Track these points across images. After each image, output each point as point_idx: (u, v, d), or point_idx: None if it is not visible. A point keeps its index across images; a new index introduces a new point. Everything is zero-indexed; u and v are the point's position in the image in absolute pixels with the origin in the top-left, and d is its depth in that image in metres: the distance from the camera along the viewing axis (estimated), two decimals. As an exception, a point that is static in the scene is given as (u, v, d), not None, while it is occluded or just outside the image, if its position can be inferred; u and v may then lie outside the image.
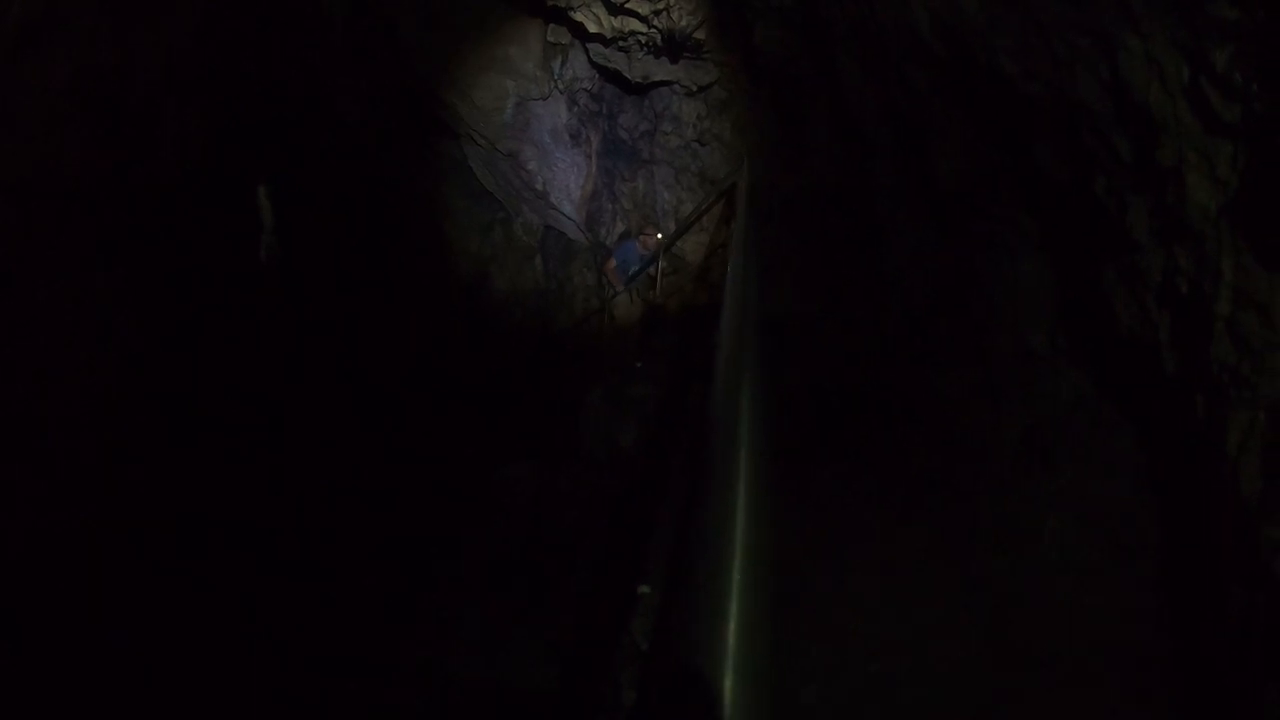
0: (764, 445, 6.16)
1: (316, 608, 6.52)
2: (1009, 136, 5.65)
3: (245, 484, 7.67)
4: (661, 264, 11.56)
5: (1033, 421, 5.99)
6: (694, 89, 13.04)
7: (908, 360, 7.67)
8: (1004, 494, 5.65)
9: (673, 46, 12.03)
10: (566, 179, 14.14)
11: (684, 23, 11.53)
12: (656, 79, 12.94)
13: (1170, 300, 4.00)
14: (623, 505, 6.07)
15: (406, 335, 12.66)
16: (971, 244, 6.57)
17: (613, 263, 13.20)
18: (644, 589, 4.37)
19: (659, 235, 12.83)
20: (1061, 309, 5.65)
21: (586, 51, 13.03)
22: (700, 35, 11.80)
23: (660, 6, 11.30)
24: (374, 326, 11.99)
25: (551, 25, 12.86)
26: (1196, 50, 3.36)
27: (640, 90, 13.33)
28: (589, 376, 8.59)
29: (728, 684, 3.31)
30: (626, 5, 11.31)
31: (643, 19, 11.61)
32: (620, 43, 12.32)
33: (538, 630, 5.62)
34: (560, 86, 13.47)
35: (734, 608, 3.73)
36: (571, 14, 12.00)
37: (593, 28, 12.03)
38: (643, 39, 12.10)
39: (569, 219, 14.32)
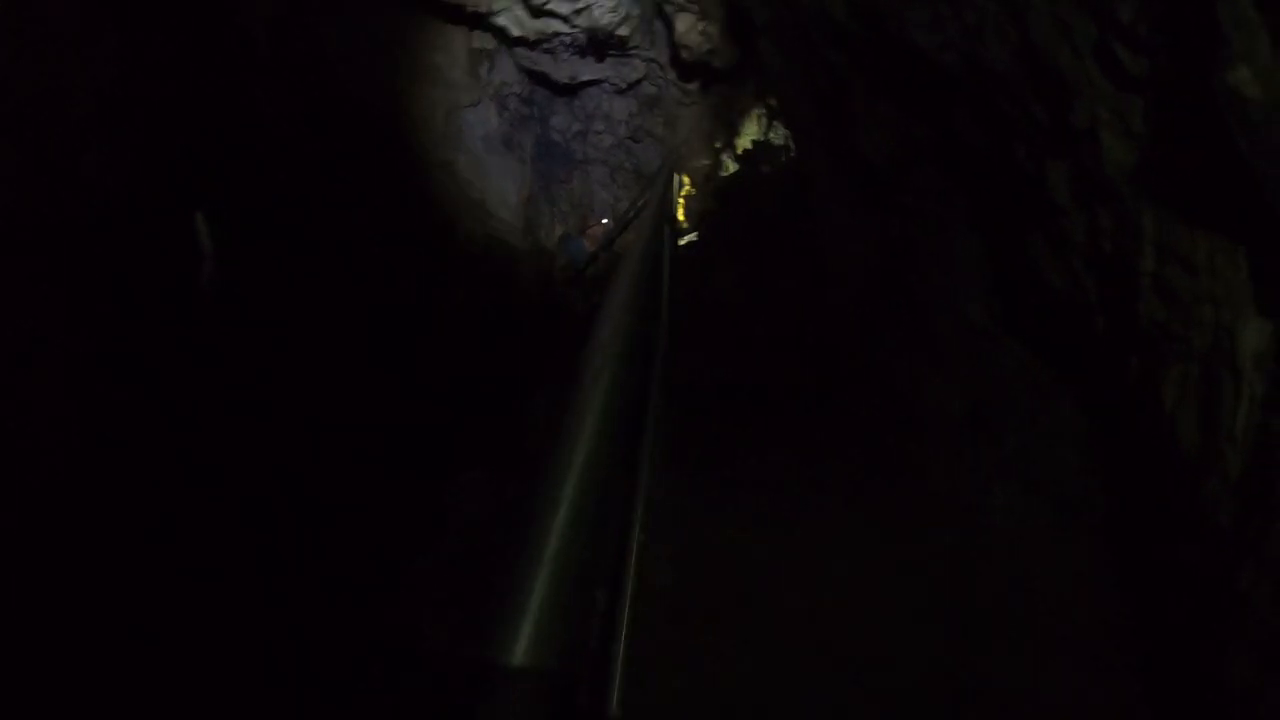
0: (690, 434, 6.17)
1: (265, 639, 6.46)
2: (930, 110, 5.65)
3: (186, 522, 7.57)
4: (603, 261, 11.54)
5: (978, 393, 6.00)
6: (623, 86, 13.06)
7: (849, 339, 7.68)
8: (952, 467, 5.65)
9: (597, 45, 12.03)
10: (502, 185, 14.08)
11: (605, 21, 11.52)
12: (584, 79, 12.94)
13: (1096, 261, 4.01)
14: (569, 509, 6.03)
15: (354, 351, 12.56)
16: (905, 220, 6.58)
17: (562, 260, 13.19)
18: (598, 593, 4.33)
19: (604, 221, 12.85)
20: (997, 279, 5.66)
21: (512, 56, 13.00)
22: (623, 32, 11.80)
23: (580, 6, 11.29)
24: (321, 345, 11.87)
25: (476, 31, 12.80)
26: (1102, 7, 3.35)
27: (569, 91, 13.32)
28: (536, 379, 8.53)
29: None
30: (547, 7, 11.29)
31: (564, 19, 11.60)
32: (544, 45, 12.31)
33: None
34: (489, 92, 13.42)
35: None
36: (493, 19, 11.96)
37: (515, 31, 12.01)
38: (566, 40, 12.09)
39: (508, 224, 14.27)
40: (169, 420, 8.35)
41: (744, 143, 12.22)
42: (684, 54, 11.42)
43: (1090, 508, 4.86)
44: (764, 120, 11.57)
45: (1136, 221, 3.47)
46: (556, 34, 11.94)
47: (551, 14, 11.51)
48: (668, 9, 11.23)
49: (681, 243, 11.19)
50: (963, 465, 5.64)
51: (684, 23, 11.07)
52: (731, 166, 12.09)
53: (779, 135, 10.87)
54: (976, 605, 4.71)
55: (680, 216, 11.25)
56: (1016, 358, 5.60)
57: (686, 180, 11.99)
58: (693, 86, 12.43)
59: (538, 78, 13.15)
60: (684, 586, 4.88)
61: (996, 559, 4.95)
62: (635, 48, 12.26)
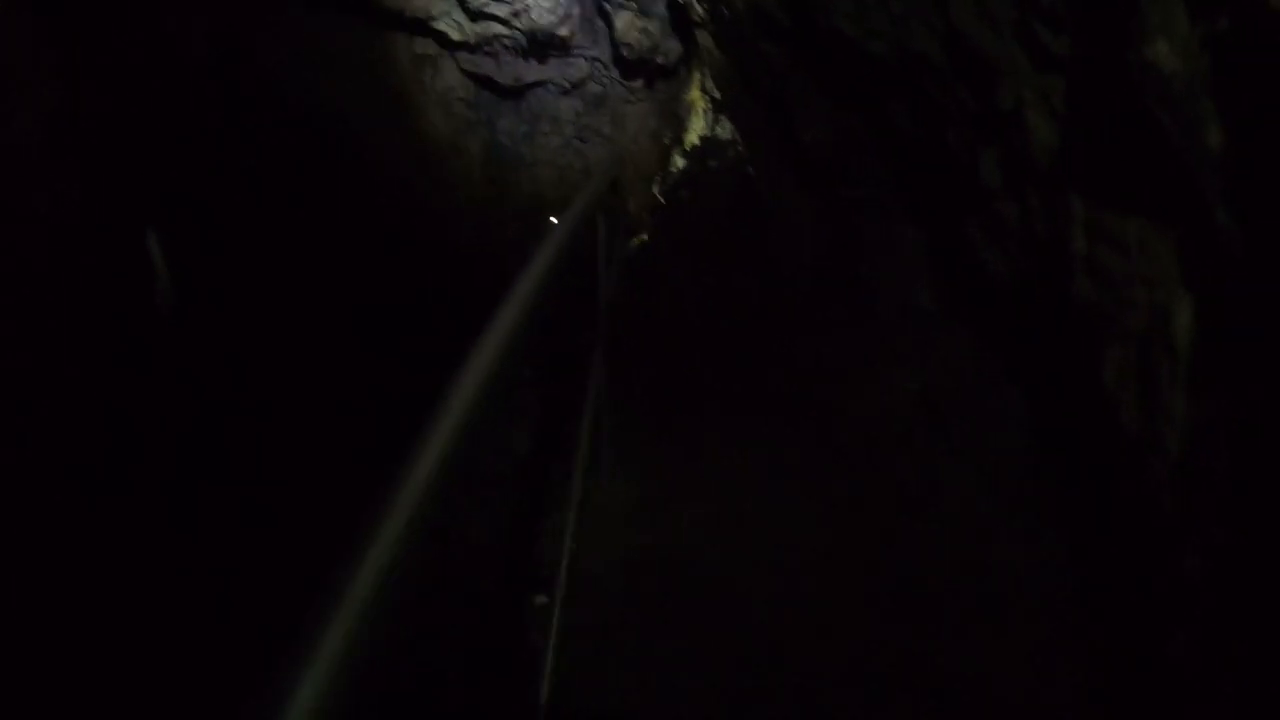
0: (633, 433, 6.12)
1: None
2: (865, 101, 5.63)
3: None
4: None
5: (927, 379, 5.99)
6: (567, 87, 12.97)
7: (800, 331, 7.66)
8: (902, 455, 5.63)
9: (538, 47, 11.96)
10: (451, 192, 13.99)
11: (544, 21, 11.45)
12: (529, 81, 12.85)
13: (1030, 244, 3.98)
14: (519, 517, 5.98)
15: (309, 367, 12.46)
16: (848, 211, 6.57)
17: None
18: (540, 599, 4.29)
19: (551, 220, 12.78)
20: (941, 265, 5.64)
21: (455, 60, 12.89)
22: (564, 33, 11.73)
23: (519, 7, 11.21)
24: (277, 361, 11.76)
25: (416, 38, 12.69)
26: (1021, -13, 3.31)
27: (514, 94, 13.22)
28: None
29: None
30: (485, 9, 11.21)
31: (503, 22, 11.52)
32: (486, 48, 12.21)
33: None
34: (433, 98, 13.31)
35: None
36: (433, 24, 11.87)
37: (456, 36, 11.92)
38: (507, 42, 12.01)
39: (459, 230, 14.17)
40: (127, 441, 8.27)
41: (691, 138, 12.16)
42: (626, 52, 11.35)
43: (1041, 493, 4.84)
44: (710, 115, 11.53)
45: (1066, 203, 3.44)
46: (497, 36, 11.85)
47: (490, 16, 11.43)
48: (607, 7, 11.16)
49: (631, 240, 11.17)
50: (913, 452, 5.61)
51: (624, 20, 11.01)
52: (680, 162, 12.04)
53: (725, 130, 10.82)
54: (930, 593, 4.68)
55: (627, 212, 11.22)
56: (964, 343, 5.59)
57: (632, 177, 11.97)
58: (637, 84, 12.35)
59: (482, 81, 13.04)
60: (627, 590, 4.84)
61: (949, 546, 4.92)
62: (577, 47, 12.19)
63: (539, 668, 3.65)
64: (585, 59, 12.60)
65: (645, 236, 11.27)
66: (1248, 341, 2.49)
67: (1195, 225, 2.64)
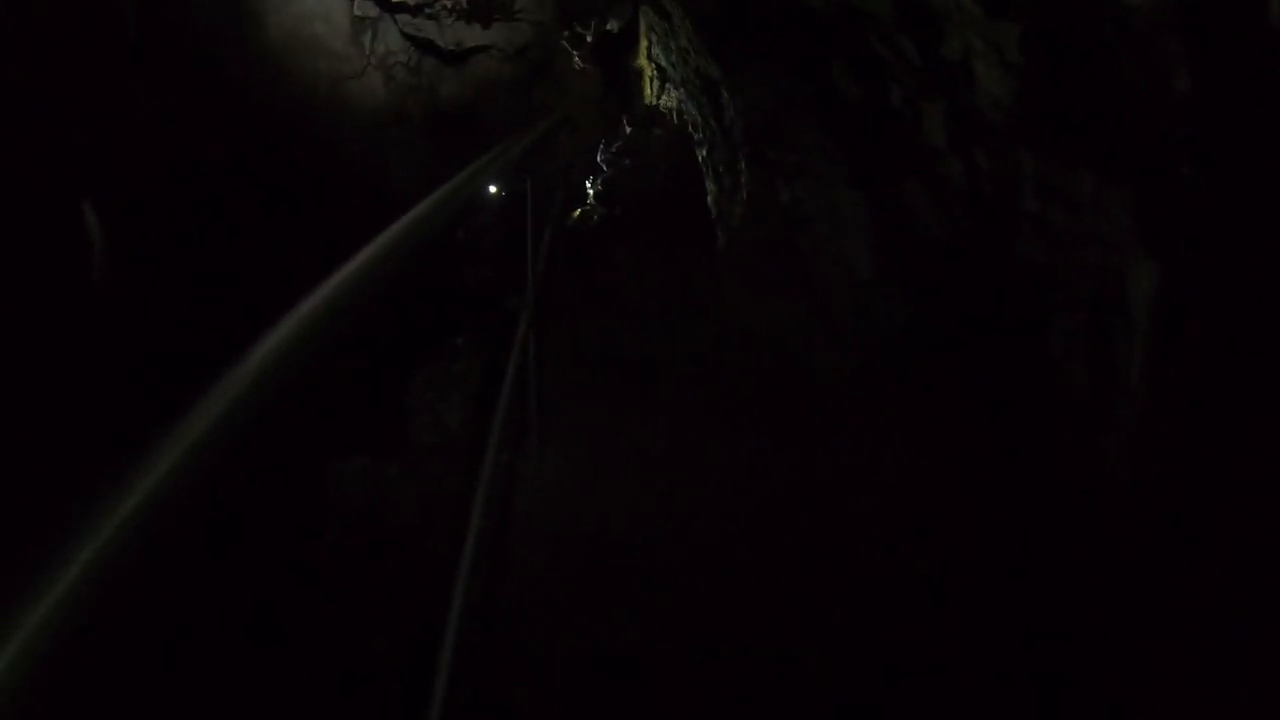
0: (568, 407, 5.97)
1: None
2: (805, 64, 5.47)
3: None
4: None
5: (867, 348, 5.88)
6: (511, 53, 12.77)
7: (741, 302, 7.54)
8: (844, 424, 5.51)
9: (481, 9, 11.72)
10: (394, 160, 13.75)
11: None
12: (471, 45, 12.64)
13: (976, 205, 3.80)
14: (451, 491, 5.80)
15: (241, 338, 12.21)
16: (788, 178, 6.41)
17: (461, 235, 12.98)
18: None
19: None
20: (882, 235, 5.50)
21: (396, 23, 12.65)
22: (508, -12, 11.53)
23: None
24: (211, 335, 11.53)
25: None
26: (971, -72, 3.11)
27: (457, 59, 13.01)
28: (416, 358, 8.28)
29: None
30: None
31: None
32: (427, 9, 11.98)
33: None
34: (374, 61, 13.05)
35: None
36: (371, -20, 11.63)
37: (398, -7, 11.68)
38: (449, 4, 11.77)
39: (404, 203, 13.95)
40: (59, 412, 8.07)
41: (637, 106, 12.02)
42: (570, 15, 11.15)
43: (981, 461, 4.74)
44: (655, 83, 11.38)
45: (1015, 160, 3.25)
46: (436, -6, 11.63)
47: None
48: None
49: (574, 210, 11.01)
50: (855, 420, 5.50)
51: (568, -14, 10.83)
52: (626, 130, 11.90)
53: (670, 99, 10.68)
54: (871, 562, 4.58)
55: (571, 180, 11.09)
56: (904, 312, 5.47)
57: (576, 145, 11.84)
58: (584, 49, 12.17)
59: (424, 45, 12.82)
60: (562, 568, 4.68)
61: (892, 515, 4.82)
62: (520, 11, 11.98)
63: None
64: (529, 23, 12.41)
65: (589, 204, 11.12)
66: (1214, 306, 2.31)
67: (1157, 180, 2.45)
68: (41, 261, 8.74)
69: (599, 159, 11.62)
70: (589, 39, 12.05)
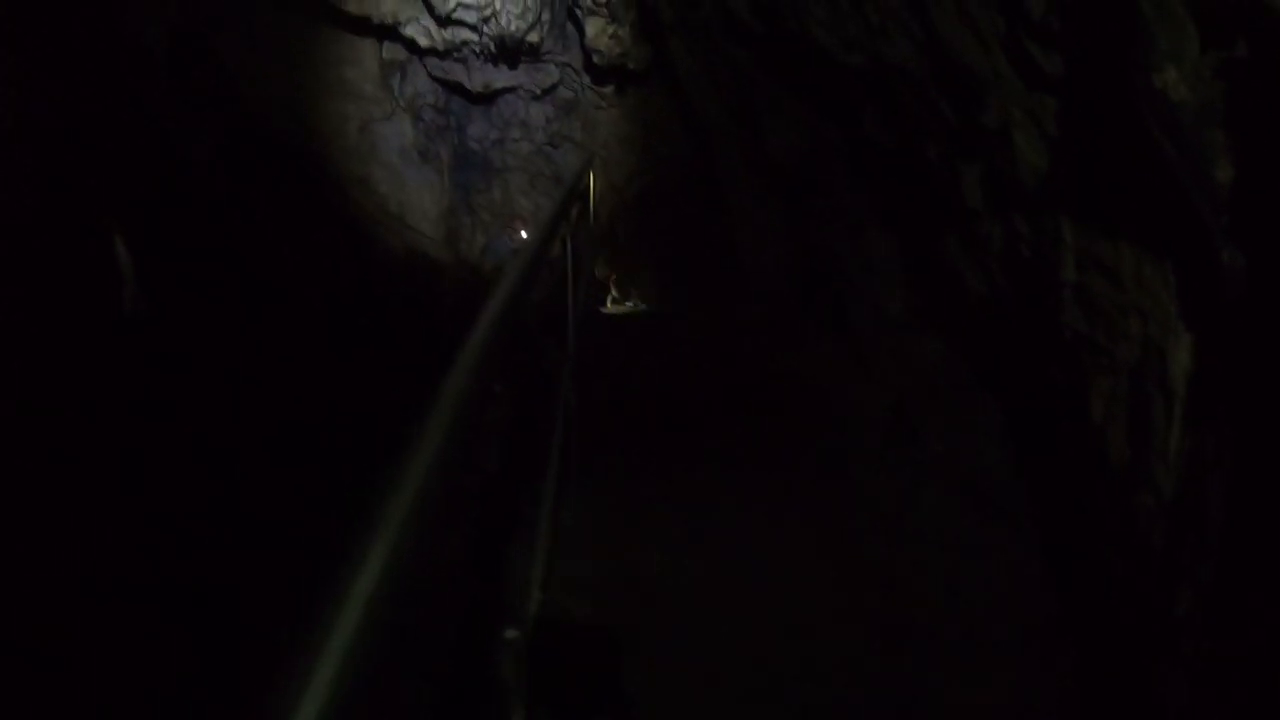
0: (606, 450, 5.99)
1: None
2: (836, 110, 5.52)
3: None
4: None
5: (900, 390, 5.91)
6: (538, 92, 12.88)
7: (771, 342, 7.58)
8: (877, 468, 5.53)
9: (508, 52, 11.84)
10: (421, 197, 13.84)
11: (514, 28, 11.32)
12: (499, 86, 12.76)
13: (1014, 267, 3.85)
14: (487, 538, 5.83)
15: (277, 372, 12.30)
16: (820, 220, 6.47)
17: (489, 264, 13.08)
18: (512, 633, 4.14)
19: (522, 223, 12.79)
20: (915, 278, 5.54)
21: (424, 66, 12.78)
22: (533, 39, 11.62)
23: (488, 14, 11.08)
24: (242, 366, 11.62)
25: (385, 43, 12.56)
26: (1010, 1, 3.17)
27: (485, 99, 13.12)
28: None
29: None
30: (454, 15, 11.08)
31: (472, 28, 11.39)
32: (455, 54, 12.10)
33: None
34: (402, 104, 13.18)
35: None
36: (402, 30, 11.74)
37: (424, 42, 11.79)
38: (476, 48, 11.89)
39: (428, 238, 14.04)
40: (94, 445, 8.14)
41: (662, 144, 12.09)
42: (596, 58, 11.25)
43: (1018, 511, 4.75)
44: (680, 121, 11.44)
45: (1055, 228, 3.30)
46: (466, 43, 11.74)
47: (460, 23, 11.31)
48: (578, 13, 11.06)
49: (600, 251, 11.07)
50: (888, 465, 5.52)
51: (594, 26, 10.91)
52: (651, 169, 11.97)
53: (695, 136, 10.74)
54: (908, 610, 4.57)
55: (597, 221, 11.13)
56: (937, 355, 5.50)
57: (599, 184, 11.90)
58: (608, 90, 12.26)
59: (452, 87, 12.94)
60: (601, 617, 4.70)
61: (926, 561, 4.81)
62: (548, 53, 12.09)
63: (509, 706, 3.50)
64: (555, 64, 12.51)
65: (613, 243, 11.19)
66: (1249, 381, 2.37)
67: (1196, 260, 2.52)
68: (73, 293, 8.83)
69: (625, 198, 11.70)
70: (613, 79, 12.14)
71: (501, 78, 12.64)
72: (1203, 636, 2.82)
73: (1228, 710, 2.72)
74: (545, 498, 4.46)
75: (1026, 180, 3.40)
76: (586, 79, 12.34)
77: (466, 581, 5.50)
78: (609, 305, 10.27)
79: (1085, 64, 2.85)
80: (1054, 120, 3.14)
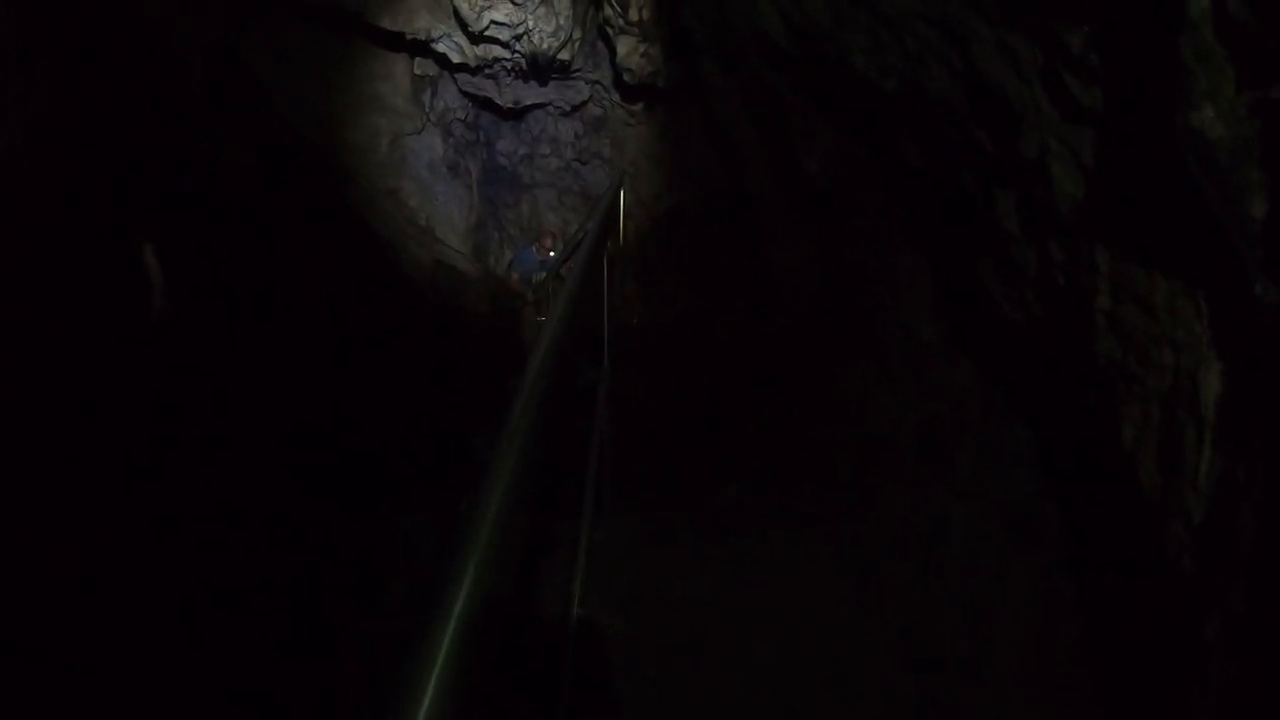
0: (638, 469, 6.03)
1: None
2: (871, 133, 5.56)
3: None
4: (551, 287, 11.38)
5: (930, 412, 5.93)
6: (567, 109, 12.97)
7: (802, 362, 7.60)
8: (907, 491, 5.55)
9: (539, 69, 11.92)
10: (449, 211, 13.93)
11: (545, 45, 11.39)
12: (529, 102, 12.86)
13: (1049, 294, 3.89)
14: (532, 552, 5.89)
15: (306, 384, 12.36)
16: (851, 241, 6.50)
17: (515, 276, 13.15)
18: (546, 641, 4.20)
19: (551, 238, 12.85)
20: (946, 300, 5.57)
21: (455, 81, 12.89)
22: (565, 56, 11.69)
23: (520, 31, 11.15)
24: (271, 378, 11.68)
25: (417, 59, 12.66)
26: (1050, 34, 3.22)
27: (514, 115, 13.23)
28: (481, 412, 8.38)
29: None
30: (486, 33, 11.15)
31: (504, 45, 11.47)
32: (486, 70, 12.19)
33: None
34: (433, 119, 13.27)
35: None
36: (434, 46, 11.82)
37: (456, 58, 11.88)
38: (508, 64, 11.98)
39: (456, 251, 14.12)
40: (123, 454, 8.19)
41: (691, 162, 12.12)
42: (627, 76, 11.30)
43: (1048, 534, 4.76)
44: (709, 140, 11.48)
45: (1090, 257, 3.35)
46: (498, 59, 11.82)
47: (492, 40, 11.39)
48: (609, 31, 11.11)
49: (629, 266, 11.12)
50: (918, 488, 5.54)
51: (625, 45, 10.95)
52: (680, 186, 12.01)
53: (724, 155, 10.78)
54: (936, 635, 4.60)
55: (628, 239, 11.19)
56: (968, 377, 5.51)
57: (628, 199, 11.96)
58: (638, 107, 12.32)
59: (482, 103, 13.05)
60: (634, 635, 4.74)
61: (955, 586, 4.84)
62: (578, 70, 12.17)
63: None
64: (586, 82, 12.59)
65: (644, 260, 11.24)
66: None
67: (1229, 292, 2.56)
68: (101, 298, 8.89)
69: (657, 214, 11.74)
70: (643, 97, 12.19)
71: (531, 94, 12.74)
72: (1230, 662, 2.85)
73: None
74: (585, 514, 4.52)
75: (1062, 209, 3.45)
76: (616, 96, 12.41)
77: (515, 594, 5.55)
78: (637, 320, 10.30)
79: (1123, 98, 2.90)
80: (1091, 151, 3.19)
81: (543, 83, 12.35)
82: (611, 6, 10.62)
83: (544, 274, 11.55)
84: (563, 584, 4.33)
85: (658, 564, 5.24)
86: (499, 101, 12.68)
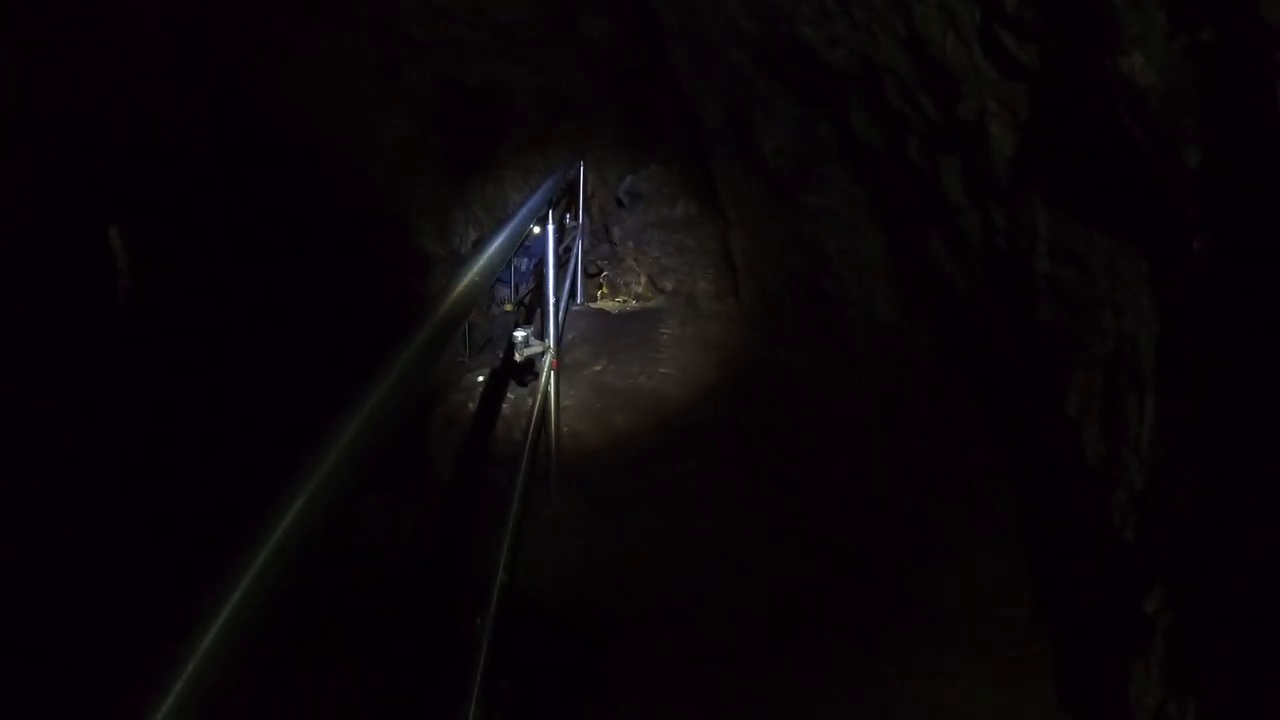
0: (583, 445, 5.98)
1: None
2: (825, 108, 5.51)
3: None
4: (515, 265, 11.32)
5: (887, 391, 5.91)
6: (534, 88, 12.88)
7: (762, 342, 7.57)
8: (863, 469, 5.52)
9: (504, 47, 11.83)
10: (416, 192, 13.87)
11: (509, 23, 11.31)
12: (494, 81, 12.77)
13: (993, 260, 3.84)
14: (467, 532, 5.82)
15: (270, 364, 12.30)
16: (811, 219, 6.45)
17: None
18: (479, 622, 4.13)
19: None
20: (904, 278, 5.53)
21: (421, 60, 12.79)
22: (531, 35, 11.60)
23: (483, 4, 11.07)
24: (236, 358, 11.62)
25: (383, 36, 12.56)
26: (987, -6, 3.15)
27: (481, 95, 13.13)
28: (435, 396, 8.32)
29: None
30: (450, 11, 11.07)
31: (468, 23, 11.38)
32: (452, 48, 12.10)
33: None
34: (399, 98, 13.19)
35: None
36: (398, 23, 11.73)
37: (422, 35, 11.79)
38: (473, 42, 11.89)
39: (423, 230, 14.05)
40: (86, 436, 8.13)
41: (657, 143, 12.07)
42: (594, 56, 11.23)
43: (1001, 512, 4.74)
44: (676, 121, 11.43)
45: (1030, 219, 3.29)
46: (462, 37, 11.72)
47: (455, 17, 11.29)
48: (574, 7, 11.03)
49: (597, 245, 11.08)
50: (871, 465, 5.51)
51: (592, 24, 10.89)
52: (645, 167, 11.94)
53: (691, 136, 10.73)
54: (888, 613, 4.55)
55: (590, 215, 11.16)
56: (925, 354, 5.49)
57: (592, 179, 11.92)
58: (605, 87, 12.25)
59: (448, 82, 12.95)
60: (577, 609, 4.69)
61: (907, 564, 4.80)
62: (545, 50, 12.08)
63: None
64: (554, 61, 12.52)
65: (609, 240, 11.20)
66: (1219, 374, 2.34)
67: (1168, 249, 2.50)
68: (68, 283, 8.81)
69: (620, 193, 11.68)
70: (610, 77, 12.13)
71: (498, 73, 12.65)
72: (1173, 635, 2.80)
73: (1199, 711, 2.70)
74: (519, 483, 4.45)
75: (1001, 171, 3.39)
76: (583, 76, 12.33)
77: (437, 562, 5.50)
78: (599, 300, 10.22)
79: (1058, 52, 2.83)
80: (1028, 110, 3.13)
81: (509, 61, 12.27)
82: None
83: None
84: (492, 550, 4.26)
85: (603, 537, 5.19)
86: (465, 81, 12.60)
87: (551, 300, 5.13)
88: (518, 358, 5.21)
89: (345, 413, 1.58)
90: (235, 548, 1.20)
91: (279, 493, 1.34)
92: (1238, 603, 2.32)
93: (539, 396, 4.99)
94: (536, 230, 4.85)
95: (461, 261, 2.57)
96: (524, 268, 11.31)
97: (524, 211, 4.12)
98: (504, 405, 7.02)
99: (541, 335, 5.16)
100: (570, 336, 8.12)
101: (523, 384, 6.91)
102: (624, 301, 10.11)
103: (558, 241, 5.31)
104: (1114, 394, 3.01)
